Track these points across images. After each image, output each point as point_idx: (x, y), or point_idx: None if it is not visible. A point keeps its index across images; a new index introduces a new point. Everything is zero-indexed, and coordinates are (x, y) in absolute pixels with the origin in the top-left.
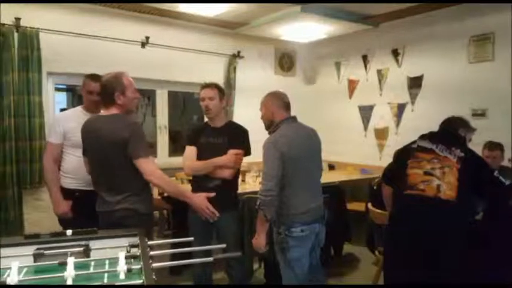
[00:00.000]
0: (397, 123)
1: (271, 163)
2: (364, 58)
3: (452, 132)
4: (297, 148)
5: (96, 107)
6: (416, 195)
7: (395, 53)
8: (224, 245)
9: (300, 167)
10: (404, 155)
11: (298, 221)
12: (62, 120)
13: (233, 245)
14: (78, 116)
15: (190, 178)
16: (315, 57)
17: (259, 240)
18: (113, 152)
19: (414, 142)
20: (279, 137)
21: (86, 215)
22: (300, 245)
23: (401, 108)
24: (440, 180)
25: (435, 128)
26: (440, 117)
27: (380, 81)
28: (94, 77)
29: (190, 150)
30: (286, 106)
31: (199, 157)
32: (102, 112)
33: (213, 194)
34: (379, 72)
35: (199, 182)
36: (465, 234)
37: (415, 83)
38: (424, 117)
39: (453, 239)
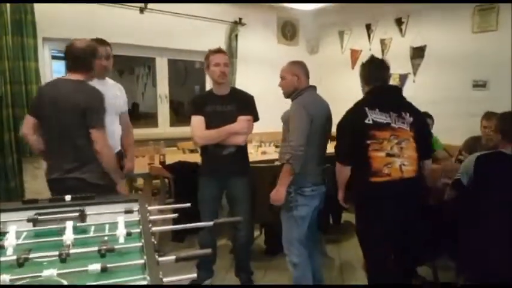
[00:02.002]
0: None
1: (302, 121)
2: (368, 27)
3: (394, 89)
4: (319, 114)
5: (103, 72)
6: (383, 182)
7: (399, 22)
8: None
9: (319, 132)
10: (359, 133)
11: (310, 180)
12: None
13: (244, 210)
14: None
15: (193, 148)
16: (318, 26)
17: (281, 193)
18: (72, 118)
19: (364, 113)
20: (307, 101)
21: None
22: (308, 203)
23: (403, 79)
24: (400, 157)
25: (435, 99)
26: (441, 88)
27: (383, 51)
28: (101, 41)
29: (199, 120)
30: (308, 75)
31: (207, 126)
32: (67, 76)
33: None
34: (382, 42)
35: (212, 151)
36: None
37: (417, 53)
38: (425, 88)
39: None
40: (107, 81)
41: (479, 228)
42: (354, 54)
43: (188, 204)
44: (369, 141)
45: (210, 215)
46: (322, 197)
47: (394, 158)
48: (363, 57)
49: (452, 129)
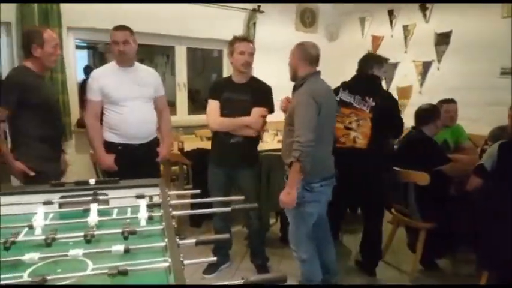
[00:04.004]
0: (422, 82)
1: (310, 114)
2: (390, 13)
3: (366, 77)
4: (327, 103)
5: (122, 58)
6: (338, 148)
7: (423, 8)
8: (242, 197)
9: (327, 123)
10: None
11: (318, 176)
12: (98, 77)
13: (252, 198)
14: (112, 71)
15: (210, 136)
16: (338, 13)
17: (292, 196)
18: None
19: (337, 92)
20: (314, 89)
21: (127, 167)
22: (317, 199)
23: (426, 66)
24: (356, 131)
25: (460, 87)
26: (467, 76)
27: (406, 37)
28: (118, 27)
29: (214, 105)
30: (314, 60)
31: (222, 112)
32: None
33: None
34: (405, 28)
35: (221, 138)
36: (378, 172)
37: (442, 40)
38: (450, 76)
39: (368, 176)
40: (138, 67)
41: (502, 218)
42: (375, 40)
43: (198, 191)
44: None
45: (220, 202)
46: (331, 190)
47: (350, 131)
48: (385, 44)
49: (478, 119)
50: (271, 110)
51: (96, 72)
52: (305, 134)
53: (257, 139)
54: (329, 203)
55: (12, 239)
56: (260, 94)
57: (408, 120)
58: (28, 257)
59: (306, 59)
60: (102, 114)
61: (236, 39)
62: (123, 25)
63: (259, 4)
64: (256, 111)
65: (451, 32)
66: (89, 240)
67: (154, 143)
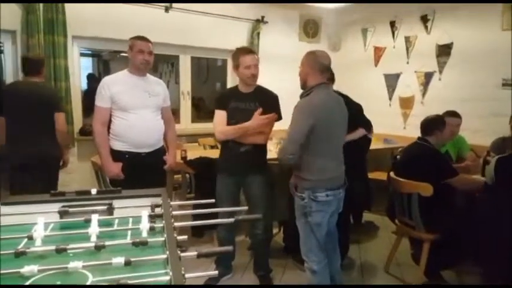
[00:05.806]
0: (423, 93)
1: (300, 127)
2: (392, 24)
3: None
4: (329, 115)
5: (144, 67)
6: None
7: (424, 19)
8: (246, 208)
9: (330, 134)
10: None
11: (323, 186)
12: (108, 84)
13: (262, 206)
14: (124, 79)
15: (213, 144)
16: (340, 24)
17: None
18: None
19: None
20: (315, 101)
21: (134, 176)
22: (323, 209)
23: (428, 77)
24: None
25: (462, 98)
26: (468, 87)
27: (407, 48)
28: (143, 38)
29: (221, 115)
30: (325, 69)
31: (229, 122)
32: (25, 79)
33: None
34: (406, 39)
35: (230, 148)
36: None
37: (443, 51)
38: (451, 87)
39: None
40: (148, 77)
41: (502, 230)
42: (378, 51)
43: (213, 200)
44: None
45: (226, 212)
46: (341, 200)
47: None
48: (387, 55)
49: (479, 130)
50: (279, 117)
51: (107, 79)
52: (287, 145)
53: (265, 147)
54: (339, 214)
55: (22, 250)
56: (267, 102)
57: (410, 131)
58: (27, 269)
59: (317, 68)
60: (109, 123)
61: (240, 52)
62: (145, 37)
63: (263, 15)
64: (257, 116)
65: (452, 43)
66: (99, 248)
67: (161, 151)
